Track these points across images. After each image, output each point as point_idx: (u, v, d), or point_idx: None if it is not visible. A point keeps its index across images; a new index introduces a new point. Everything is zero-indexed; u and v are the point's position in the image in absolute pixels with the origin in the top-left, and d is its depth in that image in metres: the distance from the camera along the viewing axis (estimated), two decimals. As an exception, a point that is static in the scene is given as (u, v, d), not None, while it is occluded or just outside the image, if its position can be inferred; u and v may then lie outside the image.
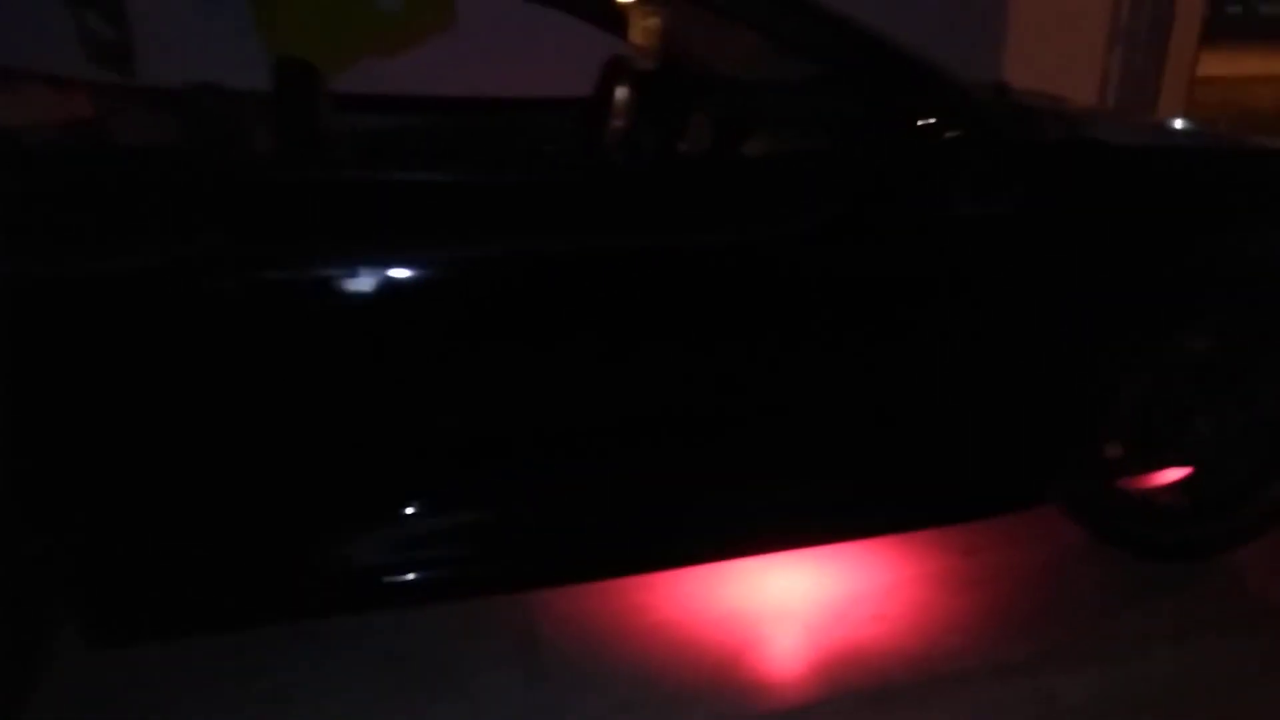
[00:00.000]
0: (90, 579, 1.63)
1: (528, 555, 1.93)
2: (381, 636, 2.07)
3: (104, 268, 1.50)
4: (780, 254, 1.81)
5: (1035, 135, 1.94)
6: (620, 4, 2.83)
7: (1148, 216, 1.96)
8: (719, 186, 1.87)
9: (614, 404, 1.86)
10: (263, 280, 1.56)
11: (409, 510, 1.80)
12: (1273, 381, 2.23)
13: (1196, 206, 2.03)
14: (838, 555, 2.33)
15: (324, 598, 1.82)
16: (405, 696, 1.93)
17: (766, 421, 1.97)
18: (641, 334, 1.80)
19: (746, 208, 1.83)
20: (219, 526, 1.70)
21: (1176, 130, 2.45)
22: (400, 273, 1.62)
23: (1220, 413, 2.25)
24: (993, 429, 2.05)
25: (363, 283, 1.60)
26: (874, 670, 2.01)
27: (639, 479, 1.94)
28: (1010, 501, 2.13)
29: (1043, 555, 2.38)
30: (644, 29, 2.77)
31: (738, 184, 1.89)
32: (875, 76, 1.83)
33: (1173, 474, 2.31)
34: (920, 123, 1.81)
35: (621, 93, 2.61)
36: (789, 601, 2.21)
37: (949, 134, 1.82)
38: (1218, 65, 5.15)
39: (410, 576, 1.85)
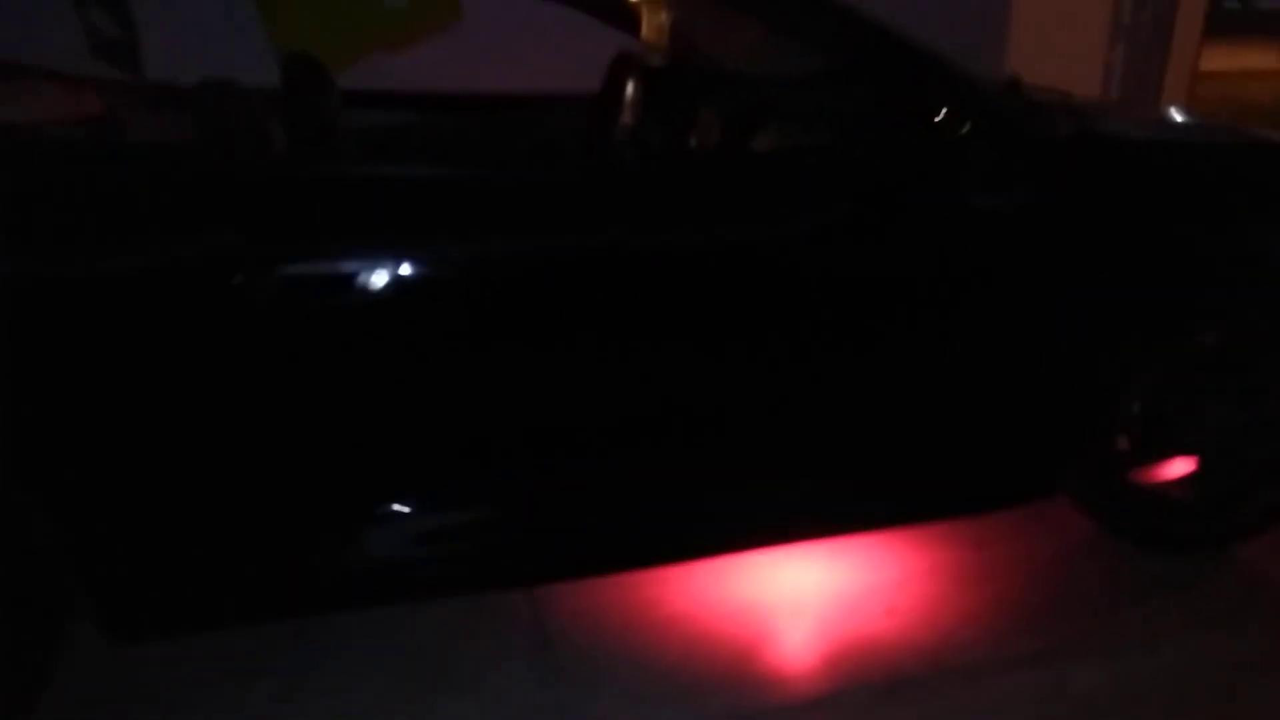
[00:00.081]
0: (108, 574, 1.64)
1: (537, 549, 1.94)
2: (390, 632, 2.07)
3: (123, 266, 1.50)
4: (794, 249, 1.82)
5: (1048, 130, 1.95)
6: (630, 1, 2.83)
7: (1159, 211, 1.97)
8: (732, 182, 1.88)
9: (625, 399, 1.87)
10: (281, 277, 1.56)
11: (421, 504, 1.81)
12: (1281, 375, 2.25)
13: (1207, 201, 2.04)
14: (848, 548, 2.34)
15: (339, 592, 1.83)
16: (417, 692, 1.93)
17: (779, 414, 1.98)
18: (657, 329, 1.81)
19: (760, 203, 1.84)
20: (236, 521, 1.71)
21: (1185, 125, 2.46)
22: (416, 269, 1.63)
23: (1229, 406, 2.26)
24: (1006, 421, 2.06)
25: (379, 279, 1.60)
26: (886, 662, 2.01)
27: (651, 473, 1.95)
28: (1023, 494, 2.14)
29: (1052, 548, 2.39)
30: (654, 25, 2.77)
31: (750, 180, 1.90)
32: (890, 71, 1.84)
33: (1181, 467, 2.32)
34: (935, 118, 1.82)
35: (631, 89, 2.61)
36: (801, 595, 2.22)
37: (963, 128, 1.83)
38: (1216, 60, 5.15)
39: (421, 571, 1.87)
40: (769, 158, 2.09)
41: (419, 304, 1.66)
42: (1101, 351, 2.03)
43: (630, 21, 2.92)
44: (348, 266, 1.60)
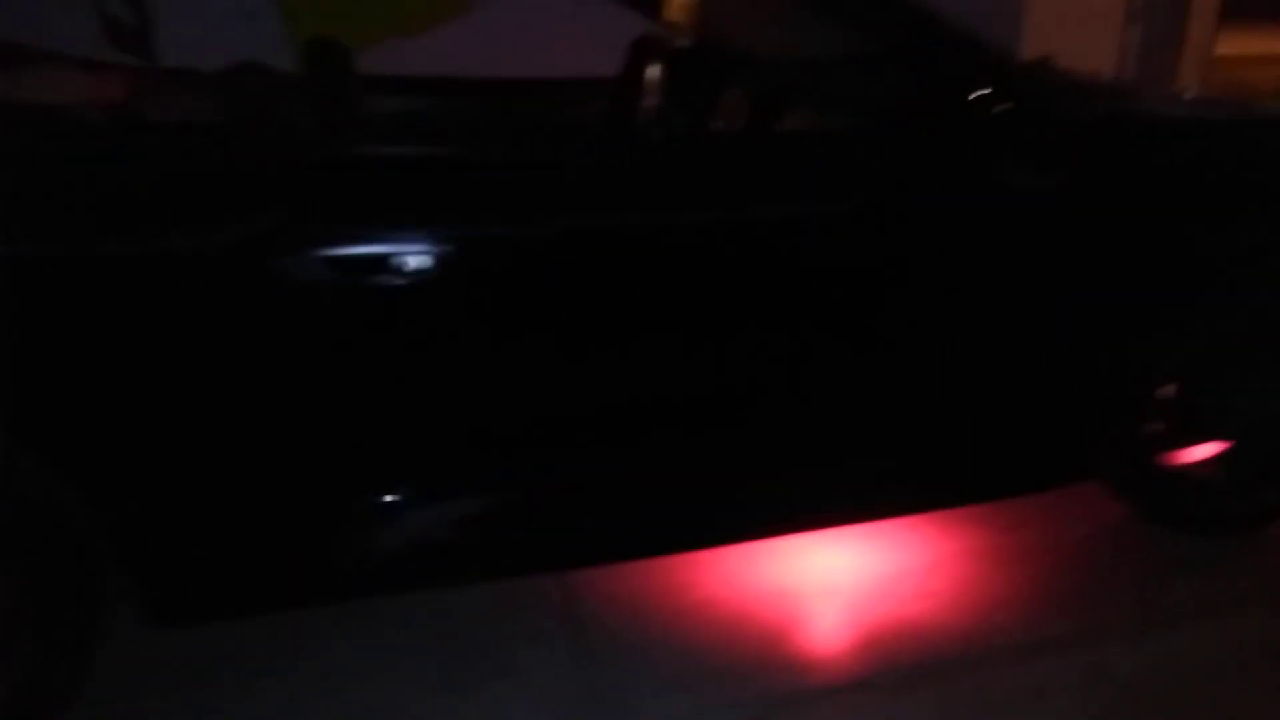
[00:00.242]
0: (149, 557, 1.63)
1: (570, 534, 1.93)
2: (424, 618, 2.06)
3: (166, 248, 1.49)
4: (833, 230, 1.80)
5: (1085, 109, 1.94)
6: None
7: (1196, 191, 1.95)
8: (769, 162, 1.86)
9: (659, 381, 1.85)
10: (322, 257, 1.55)
11: (459, 487, 1.80)
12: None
13: (1242, 181, 2.02)
14: (877, 533, 2.33)
15: (377, 577, 1.82)
16: (453, 676, 1.92)
17: (814, 397, 1.96)
18: (697, 311, 1.79)
19: (797, 184, 1.82)
20: (276, 503, 1.70)
21: (1218, 103, 2.44)
22: (454, 250, 1.62)
23: (1260, 387, 2.25)
24: (1042, 403, 2.05)
25: (419, 260, 1.59)
26: (924, 645, 2.01)
27: (684, 456, 1.94)
28: (1059, 476, 2.13)
29: (1082, 531, 2.38)
30: (679, 5, 2.75)
31: (787, 160, 1.88)
32: (926, 49, 1.82)
33: (1212, 449, 2.31)
34: (972, 97, 1.80)
35: (654, 71, 2.59)
36: (832, 578, 2.21)
37: (1001, 107, 1.81)
38: (1231, 44, 5.12)
39: (459, 554, 1.86)
40: (805, 138, 2.07)
41: (457, 284, 1.65)
42: (1137, 332, 2.02)
43: (651, 3, 2.89)
44: (387, 247, 1.59)
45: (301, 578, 1.78)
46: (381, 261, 1.59)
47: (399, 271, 1.59)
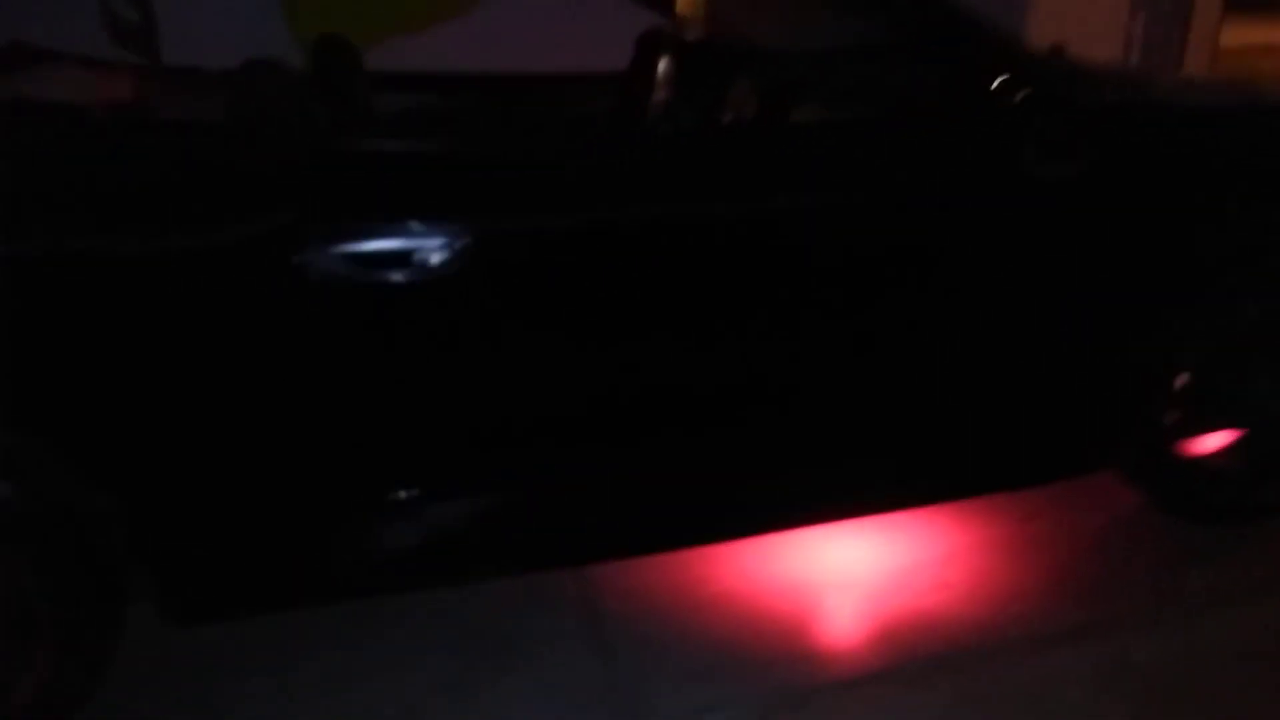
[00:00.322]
0: (169, 554, 1.63)
1: (587, 528, 1.92)
2: (441, 614, 2.05)
3: (187, 246, 1.49)
4: (853, 221, 1.80)
5: (1102, 97, 1.93)
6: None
7: (1214, 179, 1.95)
8: (789, 153, 1.85)
9: (672, 374, 1.85)
10: (338, 254, 1.54)
11: (478, 482, 1.80)
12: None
13: (1260, 168, 2.02)
14: (891, 525, 2.32)
15: (395, 573, 1.82)
16: (473, 672, 1.92)
17: (830, 388, 1.96)
18: (716, 302, 1.79)
19: (818, 175, 1.82)
20: (294, 500, 1.69)
21: (1234, 90, 2.43)
22: (474, 244, 1.61)
23: (1275, 374, 2.24)
24: (1061, 393, 2.05)
25: (437, 254, 1.59)
26: (943, 636, 2.01)
27: (699, 449, 1.93)
28: (1078, 466, 2.13)
29: (1097, 521, 2.38)
30: (688, 0, 2.74)
31: (807, 151, 1.87)
32: (947, 37, 1.81)
33: (1227, 437, 2.30)
34: (993, 85, 1.79)
35: (664, 65, 2.58)
36: (849, 570, 2.21)
37: (1021, 95, 1.80)
38: (1238, 35, 5.09)
39: (477, 550, 1.86)
40: (825, 128, 2.06)
41: (472, 279, 1.64)
42: (1157, 320, 2.01)
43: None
44: (399, 243, 1.58)
45: (317, 575, 1.78)
46: (394, 258, 1.58)
47: (412, 267, 1.58)
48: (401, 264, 1.58)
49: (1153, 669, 1.92)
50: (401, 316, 1.63)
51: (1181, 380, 2.17)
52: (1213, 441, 2.29)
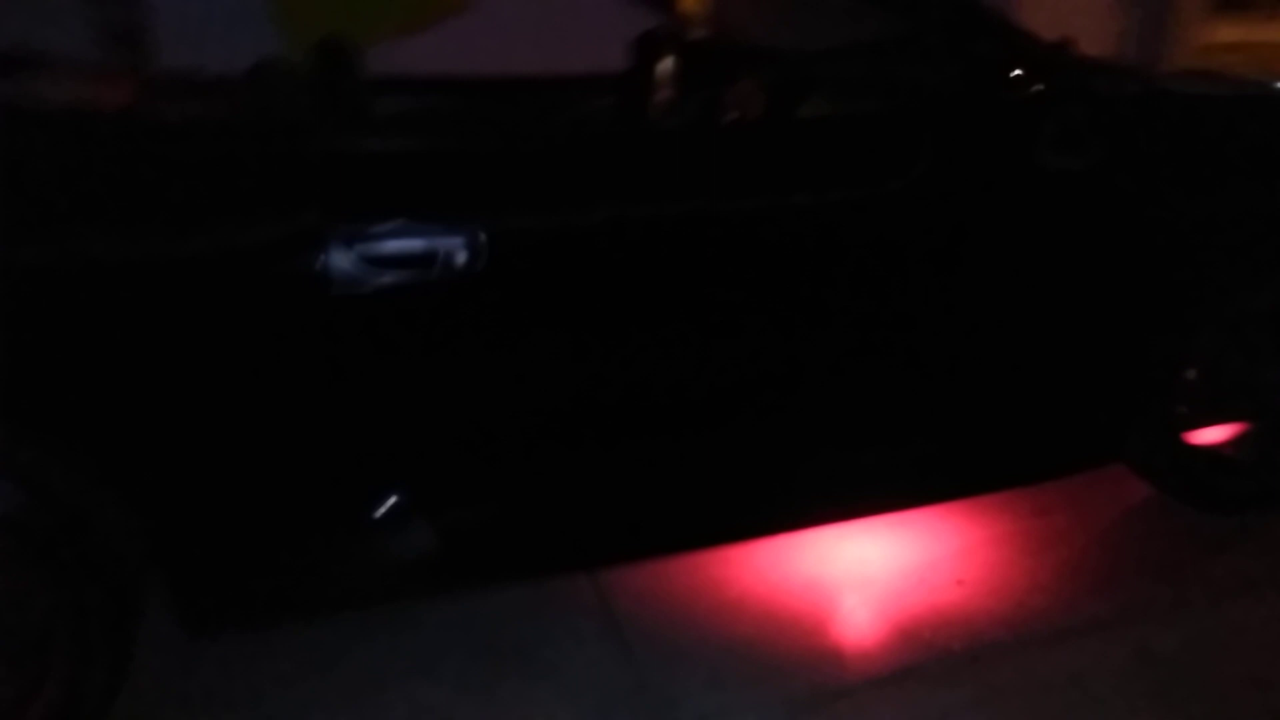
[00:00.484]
0: (189, 564, 1.60)
1: (605, 531, 1.90)
2: (458, 620, 2.02)
3: (203, 250, 1.46)
4: (869, 214, 1.79)
5: (1115, 88, 1.93)
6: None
7: (1227, 169, 1.96)
8: (802, 148, 1.85)
9: (689, 372, 1.83)
10: (360, 255, 1.52)
11: (495, 486, 1.77)
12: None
13: (1271, 158, 2.03)
14: (905, 522, 2.31)
15: (415, 579, 1.79)
16: (493, 677, 1.89)
17: (845, 385, 1.95)
18: (734, 297, 1.78)
19: (832, 169, 1.81)
20: (314, 509, 1.66)
21: (1244, 82, 2.45)
22: (491, 243, 1.59)
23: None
24: (1074, 386, 2.05)
25: (459, 254, 1.56)
26: (965, 632, 2.00)
27: (711, 448, 1.92)
28: (1090, 459, 2.13)
29: (1112, 514, 2.39)
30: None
31: (820, 145, 1.86)
32: (966, 30, 1.81)
33: (1238, 427, 2.31)
34: (1006, 78, 1.79)
35: (668, 63, 2.57)
36: (865, 569, 2.20)
37: (1034, 88, 1.81)
38: (1227, 32, 5.14)
39: (492, 556, 1.84)
40: (838, 123, 2.05)
41: (487, 280, 1.62)
42: (1170, 312, 2.02)
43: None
44: (410, 244, 1.56)
45: (336, 583, 1.75)
46: (407, 259, 1.56)
47: (427, 268, 1.56)
48: (412, 265, 1.56)
49: (1175, 659, 1.92)
50: (422, 318, 1.61)
51: (1194, 370, 2.18)
52: (1224, 432, 2.30)
